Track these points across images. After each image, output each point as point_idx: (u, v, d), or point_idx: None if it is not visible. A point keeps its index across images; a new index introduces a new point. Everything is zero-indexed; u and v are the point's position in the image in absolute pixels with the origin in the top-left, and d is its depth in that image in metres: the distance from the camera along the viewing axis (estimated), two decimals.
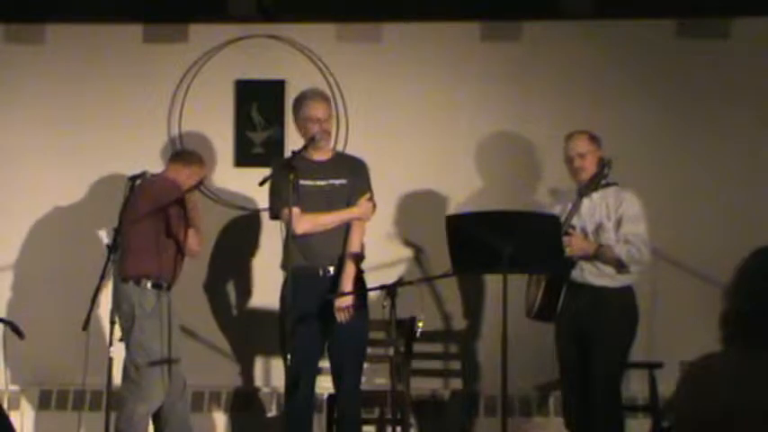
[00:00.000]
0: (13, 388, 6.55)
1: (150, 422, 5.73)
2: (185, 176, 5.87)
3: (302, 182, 5.37)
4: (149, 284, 5.62)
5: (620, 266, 5.47)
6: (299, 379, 5.27)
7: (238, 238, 6.75)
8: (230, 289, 6.74)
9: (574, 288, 5.48)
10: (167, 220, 5.64)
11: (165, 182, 5.77)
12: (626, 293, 5.54)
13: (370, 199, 5.49)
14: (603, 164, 5.54)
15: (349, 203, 5.44)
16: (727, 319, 2.37)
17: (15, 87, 6.82)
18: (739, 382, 2.28)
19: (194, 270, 6.23)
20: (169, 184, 5.77)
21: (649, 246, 5.55)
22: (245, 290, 6.71)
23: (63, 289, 6.40)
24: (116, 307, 5.49)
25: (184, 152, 6.18)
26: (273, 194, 5.42)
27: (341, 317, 5.30)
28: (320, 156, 5.50)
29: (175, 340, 5.71)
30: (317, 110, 5.44)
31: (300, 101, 5.53)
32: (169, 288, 5.73)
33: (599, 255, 5.47)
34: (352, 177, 5.47)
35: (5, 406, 6.08)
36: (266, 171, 5.33)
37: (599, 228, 5.53)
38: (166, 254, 5.67)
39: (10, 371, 6.01)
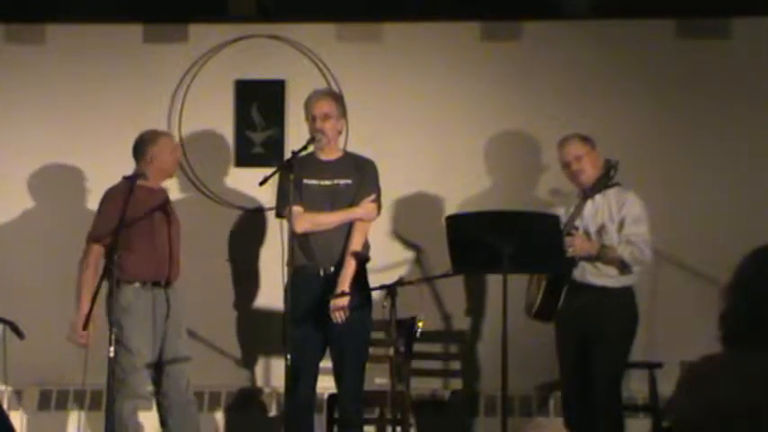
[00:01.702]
0: (13, 388, 6.55)
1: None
2: (148, 164, 5.70)
3: (307, 181, 5.41)
4: (136, 283, 5.58)
5: (623, 267, 5.47)
6: (300, 379, 5.27)
7: (238, 237, 6.75)
8: (230, 289, 6.73)
9: (574, 288, 5.49)
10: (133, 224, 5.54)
11: (138, 197, 5.56)
12: (626, 293, 5.54)
13: (375, 200, 5.48)
14: (610, 166, 5.55)
15: (353, 204, 5.45)
16: (726, 320, 2.37)
17: (15, 87, 6.82)
18: (739, 382, 2.28)
19: (194, 270, 6.22)
20: (140, 199, 5.59)
21: (651, 246, 5.55)
22: (245, 290, 6.70)
23: (63, 289, 6.39)
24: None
25: (136, 143, 5.84)
26: (278, 193, 5.47)
27: (335, 317, 5.30)
28: (328, 155, 5.51)
29: (173, 339, 5.68)
30: (313, 108, 5.46)
31: (305, 101, 5.55)
32: (159, 285, 5.64)
33: (602, 255, 5.47)
34: (357, 178, 5.47)
35: (5, 406, 6.08)
36: (266, 171, 5.33)
37: (602, 229, 5.53)
38: (140, 253, 5.57)
39: (10, 371, 6.00)
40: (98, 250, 5.63)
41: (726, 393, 2.27)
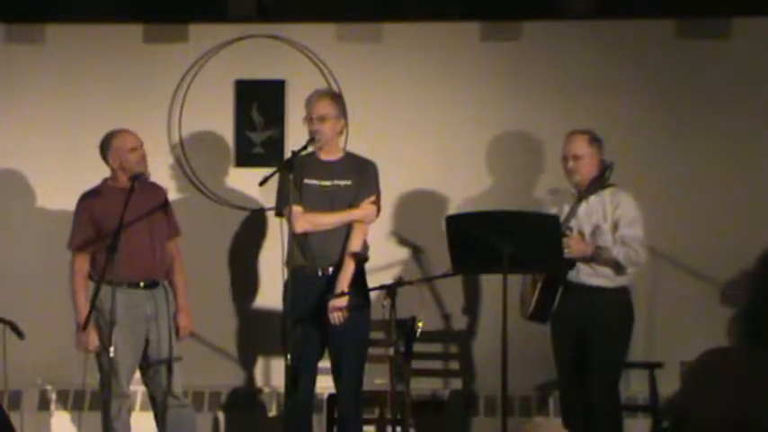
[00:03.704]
0: (14, 388, 6.54)
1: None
2: (112, 164, 5.69)
3: (307, 181, 5.42)
4: (111, 285, 5.38)
5: (618, 268, 5.47)
6: (299, 379, 5.27)
7: (238, 238, 6.75)
8: (230, 289, 6.73)
9: (570, 288, 5.49)
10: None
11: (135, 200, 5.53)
12: (622, 293, 5.55)
13: (375, 202, 5.48)
14: (605, 167, 5.55)
15: (352, 205, 5.45)
16: (748, 316, 2.28)
17: (15, 87, 6.82)
18: (759, 384, 2.19)
19: (194, 270, 6.22)
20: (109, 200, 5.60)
21: (646, 247, 5.55)
22: (245, 290, 6.71)
23: (63, 289, 6.39)
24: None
25: (99, 146, 5.82)
26: (278, 193, 5.48)
27: (334, 318, 5.30)
28: (329, 156, 5.51)
29: (156, 341, 5.59)
30: (311, 109, 5.47)
31: (306, 101, 5.55)
32: (138, 286, 5.57)
33: (596, 257, 5.47)
34: (358, 179, 5.47)
35: (5, 406, 6.08)
36: (266, 171, 5.34)
37: (596, 229, 5.53)
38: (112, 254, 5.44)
39: (10, 371, 6.00)
40: (80, 256, 5.69)
41: (745, 401, 2.17)
